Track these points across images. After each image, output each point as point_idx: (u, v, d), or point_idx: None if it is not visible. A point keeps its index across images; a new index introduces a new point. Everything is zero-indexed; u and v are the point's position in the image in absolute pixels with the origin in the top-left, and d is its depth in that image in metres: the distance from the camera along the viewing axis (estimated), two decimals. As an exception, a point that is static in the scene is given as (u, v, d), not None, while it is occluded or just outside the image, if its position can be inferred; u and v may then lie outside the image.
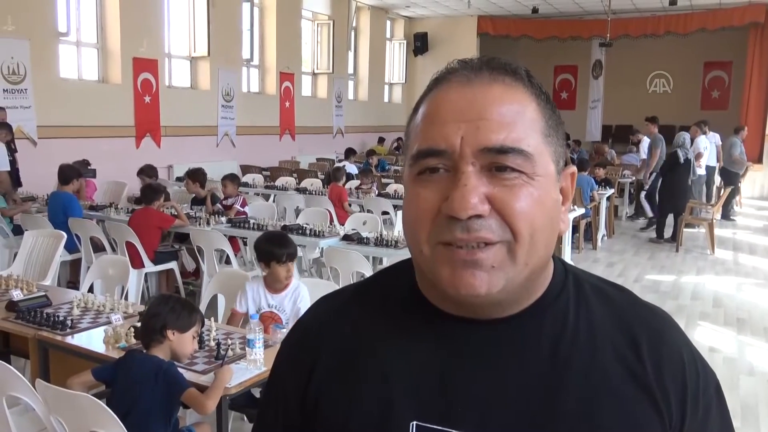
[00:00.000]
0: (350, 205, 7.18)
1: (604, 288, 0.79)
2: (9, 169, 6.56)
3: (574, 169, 0.77)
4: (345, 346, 0.78)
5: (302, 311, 3.15)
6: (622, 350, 0.73)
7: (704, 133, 10.25)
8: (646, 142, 10.40)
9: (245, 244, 5.56)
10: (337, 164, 9.61)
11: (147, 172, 6.91)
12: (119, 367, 2.42)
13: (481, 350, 0.73)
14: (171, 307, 2.44)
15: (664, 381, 0.72)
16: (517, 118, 0.69)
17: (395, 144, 15.37)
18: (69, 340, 2.88)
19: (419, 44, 16.41)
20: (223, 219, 5.74)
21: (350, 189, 7.81)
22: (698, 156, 9.27)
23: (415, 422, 0.72)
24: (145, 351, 2.44)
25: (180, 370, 2.53)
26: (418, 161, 0.70)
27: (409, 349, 0.75)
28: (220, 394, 2.34)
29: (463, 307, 0.73)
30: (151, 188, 5.70)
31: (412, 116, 0.75)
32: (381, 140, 14.77)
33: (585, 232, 8.10)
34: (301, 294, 3.23)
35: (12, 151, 6.96)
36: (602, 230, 8.64)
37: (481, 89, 0.70)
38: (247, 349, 2.59)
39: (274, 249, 3.19)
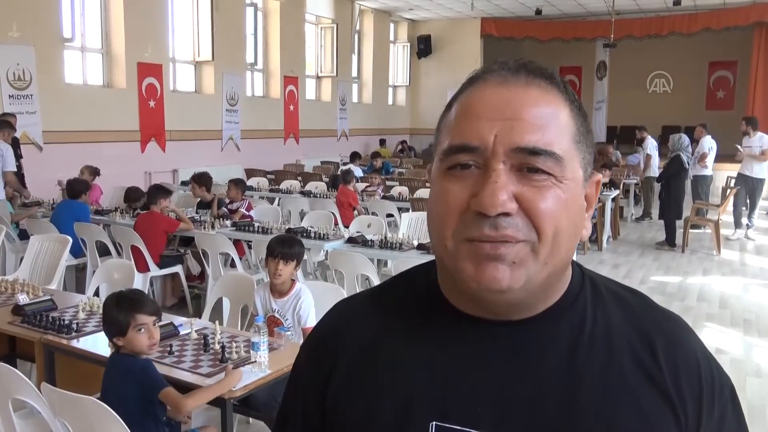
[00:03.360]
0: (358, 214, 7.18)
1: (620, 292, 0.80)
2: (15, 169, 6.59)
3: (599, 176, 0.78)
4: (363, 349, 0.79)
5: (303, 318, 3.16)
6: (638, 353, 0.74)
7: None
8: (650, 140, 10.36)
9: (250, 247, 5.56)
10: (343, 167, 9.61)
11: (132, 196, 6.60)
12: (105, 371, 2.45)
13: (499, 351, 0.74)
14: (107, 315, 2.40)
15: (680, 384, 0.73)
16: (551, 121, 0.70)
17: (399, 147, 15.37)
18: (74, 343, 2.89)
19: (423, 47, 16.44)
20: (228, 222, 5.75)
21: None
22: (703, 156, 9.23)
23: (434, 422, 0.72)
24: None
25: (185, 372, 2.53)
26: (450, 156, 0.71)
27: (427, 349, 0.76)
28: (208, 397, 2.32)
29: (483, 307, 0.73)
30: (159, 188, 5.70)
31: (444, 113, 0.76)
32: (382, 142, 14.77)
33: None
34: (302, 298, 3.21)
35: (18, 156, 7.00)
36: (607, 231, 8.61)
37: (518, 90, 0.71)
38: (251, 352, 2.59)
39: (272, 243, 3.24)
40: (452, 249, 0.70)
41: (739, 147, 9.06)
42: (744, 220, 9.06)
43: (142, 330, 2.37)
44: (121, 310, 2.37)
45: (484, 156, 0.69)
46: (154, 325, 2.43)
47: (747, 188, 8.87)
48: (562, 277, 0.75)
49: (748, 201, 8.98)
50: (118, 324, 2.36)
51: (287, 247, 3.22)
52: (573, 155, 0.71)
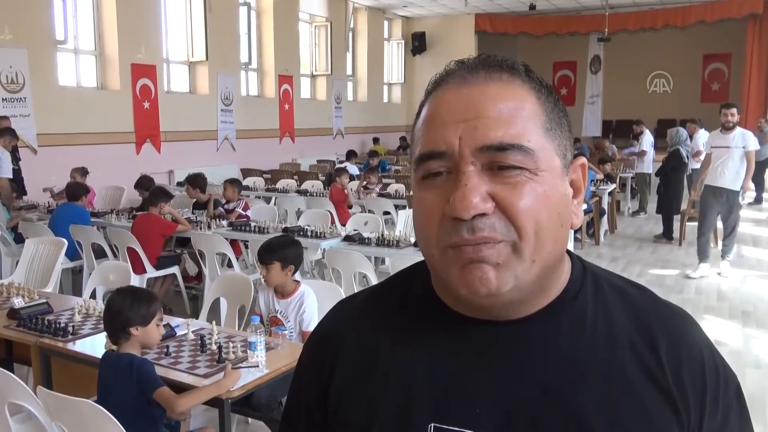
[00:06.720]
0: (350, 207, 7.17)
1: (624, 287, 0.78)
2: (11, 176, 6.57)
3: (583, 160, 0.76)
4: (363, 350, 0.78)
5: (306, 321, 3.14)
6: (641, 350, 0.72)
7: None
8: (647, 135, 10.35)
9: (246, 247, 5.54)
10: (338, 165, 9.60)
11: (144, 184, 6.78)
12: (99, 371, 2.44)
13: (498, 351, 0.72)
14: (129, 303, 2.40)
15: (683, 382, 0.71)
16: (516, 114, 0.68)
17: (399, 144, 15.31)
18: (71, 346, 2.87)
19: (417, 44, 16.41)
20: (224, 223, 5.73)
21: (350, 190, 7.78)
22: (697, 153, 9.22)
23: (433, 424, 0.71)
24: (115, 349, 2.44)
25: (182, 374, 2.52)
26: (421, 165, 0.70)
27: (425, 351, 0.75)
28: (203, 397, 2.32)
29: (477, 309, 0.72)
30: (162, 191, 5.67)
31: (415, 121, 0.75)
32: (375, 140, 14.73)
33: (587, 227, 8.08)
34: (305, 302, 3.18)
35: (17, 159, 6.97)
36: (604, 226, 8.61)
37: (477, 88, 0.69)
38: (249, 351, 2.58)
39: (260, 248, 3.24)
40: (438, 256, 0.70)
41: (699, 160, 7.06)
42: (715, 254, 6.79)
43: (160, 325, 2.48)
44: (152, 300, 2.46)
45: (452, 160, 0.68)
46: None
47: (719, 205, 6.38)
48: (556, 271, 0.73)
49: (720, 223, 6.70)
50: (147, 312, 2.41)
51: (266, 251, 3.18)
52: (545, 144, 0.69)
